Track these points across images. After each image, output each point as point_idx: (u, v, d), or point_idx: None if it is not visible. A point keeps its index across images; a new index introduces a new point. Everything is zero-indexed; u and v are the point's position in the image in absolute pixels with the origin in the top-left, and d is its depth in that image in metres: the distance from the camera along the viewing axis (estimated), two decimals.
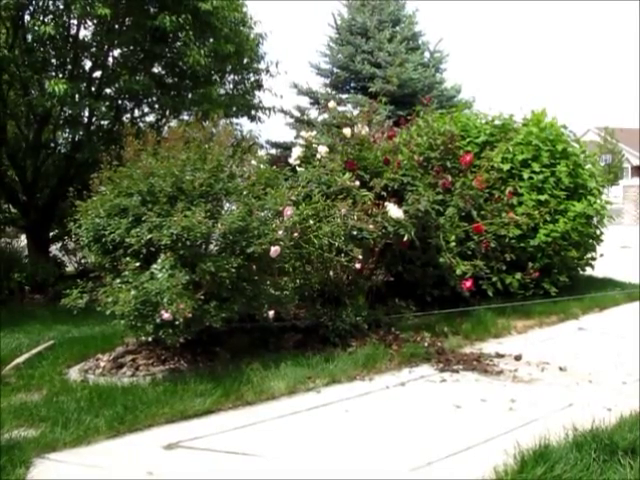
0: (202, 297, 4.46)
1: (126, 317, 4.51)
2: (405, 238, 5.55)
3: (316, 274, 5.42)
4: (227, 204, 4.90)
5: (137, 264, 4.55)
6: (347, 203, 5.35)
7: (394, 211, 5.43)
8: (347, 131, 6.09)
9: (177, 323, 4.32)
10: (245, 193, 4.88)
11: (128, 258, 4.58)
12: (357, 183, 5.80)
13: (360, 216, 5.34)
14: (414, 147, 6.64)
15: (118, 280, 4.61)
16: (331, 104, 6.83)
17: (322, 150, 6.03)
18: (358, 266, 5.32)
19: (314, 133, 6.47)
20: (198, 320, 4.51)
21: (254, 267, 4.77)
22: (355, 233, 5.27)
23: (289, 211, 4.98)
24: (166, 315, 4.29)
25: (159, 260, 4.48)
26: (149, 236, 4.49)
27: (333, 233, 5.10)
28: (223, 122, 10.74)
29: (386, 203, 5.55)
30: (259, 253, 4.64)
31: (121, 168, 5.08)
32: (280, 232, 4.81)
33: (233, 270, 4.50)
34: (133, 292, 4.40)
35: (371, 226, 5.33)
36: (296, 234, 5.00)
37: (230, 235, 4.56)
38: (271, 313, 4.92)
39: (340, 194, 5.58)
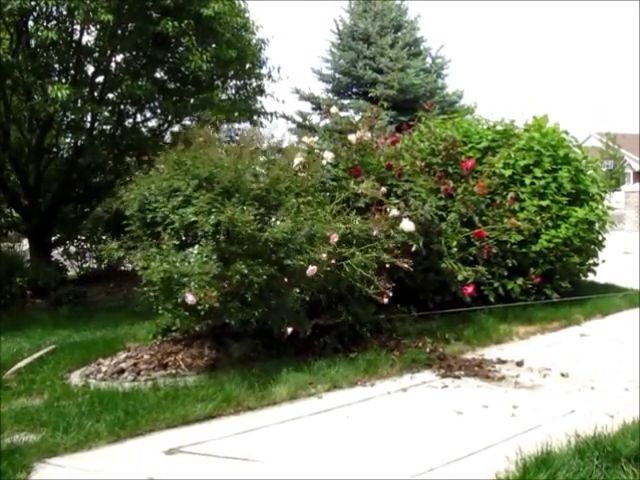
0: (227, 294, 4.47)
1: (152, 286, 4.58)
2: (413, 248, 5.54)
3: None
4: (273, 218, 4.90)
5: (175, 242, 4.62)
6: (376, 220, 5.28)
7: (407, 225, 5.41)
8: (353, 137, 6.06)
9: (199, 308, 4.34)
10: (296, 210, 4.90)
11: (167, 236, 4.64)
12: (383, 189, 5.71)
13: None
14: (416, 153, 6.64)
15: (154, 249, 4.68)
16: (333, 109, 6.83)
17: (328, 156, 5.98)
18: (386, 301, 5.16)
19: (316, 139, 6.45)
20: (219, 315, 4.54)
21: (285, 280, 4.76)
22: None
23: (335, 238, 4.91)
24: (190, 298, 4.29)
25: (197, 246, 4.53)
26: (193, 219, 4.55)
27: (366, 265, 5.00)
28: (225, 127, 10.81)
29: (399, 216, 5.49)
30: (295, 268, 4.66)
31: (187, 152, 5.20)
32: (324, 255, 4.76)
33: (264, 277, 4.51)
34: (165, 265, 4.44)
35: (391, 244, 5.25)
36: (334, 260, 4.94)
37: (271, 244, 4.59)
38: (289, 330, 4.80)
39: (367, 206, 5.52)
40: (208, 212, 4.53)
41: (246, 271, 4.41)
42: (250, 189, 4.78)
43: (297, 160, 5.82)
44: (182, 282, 4.39)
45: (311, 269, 4.65)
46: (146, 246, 4.77)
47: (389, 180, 6.03)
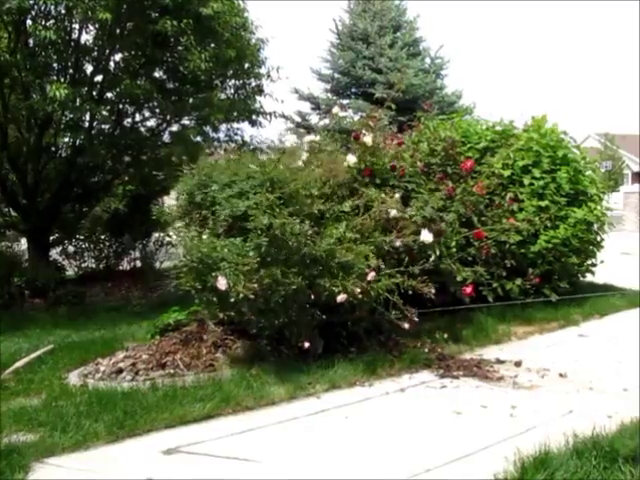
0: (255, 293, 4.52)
1: (184, 262, 4.70)
2: (432, 259, 5.53)
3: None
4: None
5: (220, 230, 4.77)
6: (399, 232, 5.29)
7: (427, 237, 5.40)
8: (368, 139, 6.01)
9: (229, 296, 4.39)
10: (339, 236, 4.96)
11: (211, 222, 4.80)
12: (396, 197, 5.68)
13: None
14: (417, 153, 6.62)
15: (193, 229, 4.82)
16: (335, 109, 6.81)
17: (351, 160, 5.77)
18: (407, 326, 5.10)
19: (318, 138, 6.39)
20: (244, 308, 4.62)
21: (312, 297, 4.77)
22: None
23: (372, 275, 4.87)
24: (222, 282, 4.33)
25: (240, 238, 4.63)
26: (244, 209, 4.69)
27: (391, 290, 5.00)
28: (224, 127, 10.81)
29: (400, 217, 5.46)
30: (324, 289, 4.69)
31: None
32: (357, 290, 4.75)
33: (293, 288, 4.55)
34: (203, 249, 4.54)
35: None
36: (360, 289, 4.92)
37: (307, 260, 4.65)
38: (306, 344, 4.78)
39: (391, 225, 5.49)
40: (263, 211, 4.60)
41: (279, 276, 4.47)
42: (307, 203, 4.94)
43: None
44: (217, 266, 4.45)
45: (342, 297, 4.67)
46: (192, 221, 4.93)
47: (391, 181, 6.03)
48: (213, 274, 4.50)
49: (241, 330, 5.24)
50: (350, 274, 4.76)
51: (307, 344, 4.74)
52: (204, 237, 4.76)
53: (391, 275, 5.04)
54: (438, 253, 5.58)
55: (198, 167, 5.60)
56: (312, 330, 4.91)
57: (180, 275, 4.87)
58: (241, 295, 4.36)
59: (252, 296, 4.39)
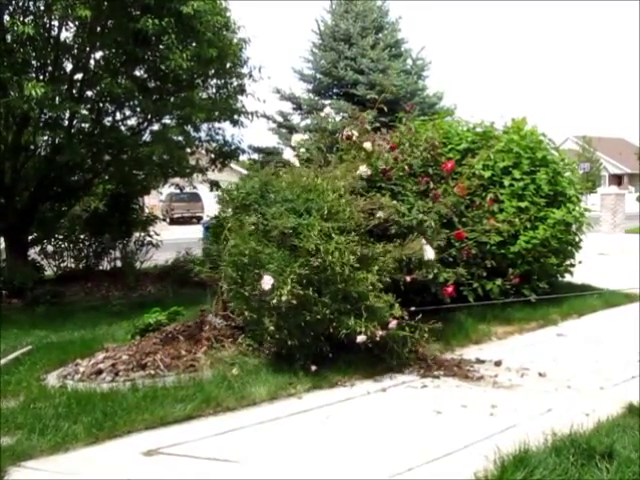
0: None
1: (237, 256, 4.77)
2: (430, 276, 5.56)
3: None
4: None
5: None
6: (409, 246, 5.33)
7: (430, 254, 5.42)
8: (368, 145, 6.01)
9: (271, 298, 4.45)
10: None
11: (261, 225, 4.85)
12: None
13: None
14: (401, 155, 6.62)
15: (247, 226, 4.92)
16: (327, 110, 6.80)
17: (363, 170, 5.74)
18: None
19: (306, 137, 6.35)
20: (278, 314, 4.67)
21: (333, 324, 4.80)
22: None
23: (394, 323, 4.91)
24: (268, 282, 4.41)
25: (287, 250, 4.70)
26: (294, 225, 4.74)
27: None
28: (206, 126, 10.75)
29: (423, 241, 5.50)
30: (346, 327, 4.72)
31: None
32: (379, 334, 4.78)
33: (317, 317, 4.62)
34: (249, 253, 4.66)
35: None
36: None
37: (340, 295, 4.74)
38: (313, 368, 4.77)
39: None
40: (312, 235, 4.64)
41: (312, 301, 4.57)
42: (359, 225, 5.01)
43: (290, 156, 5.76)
44: (263, 266, 4.57)
45: (362, 338, 4.70)
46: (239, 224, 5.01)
47: (378, 183, 6.04)
48: (257, 271, 4.61)
49: (242, 327, 5.35)
50: (375, 318, 4.82)
51: (314, 367, 4.72)
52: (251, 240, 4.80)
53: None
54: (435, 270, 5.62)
55: (260, 173, 5.52)
56: (320, 351, 4.92)
57: (200, 263, 5.03)
58: (284, 298, 4.42)
59: (294, 302, 4.48)
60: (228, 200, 5.40)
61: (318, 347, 4.85)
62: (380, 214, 5.45)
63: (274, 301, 4.50)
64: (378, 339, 4.77)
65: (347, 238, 4.83)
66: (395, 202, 5.68)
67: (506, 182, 7.17)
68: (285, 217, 4.82)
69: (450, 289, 5.92)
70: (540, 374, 4.89)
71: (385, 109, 6.56)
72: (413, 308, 5.11)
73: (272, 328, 4.70)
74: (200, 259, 5.19)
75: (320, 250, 4.61)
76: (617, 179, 50.69)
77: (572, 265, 7.83)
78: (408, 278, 5.36)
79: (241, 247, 4.78)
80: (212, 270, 5.50)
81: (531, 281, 7.09)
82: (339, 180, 5.38)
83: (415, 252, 5.36)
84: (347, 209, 5.04)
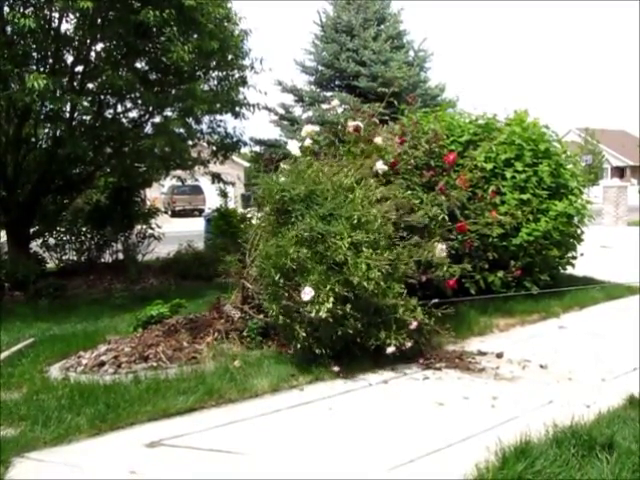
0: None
1: (274, 259, 4.71)
2: (441, 274, 5.55)
3: None
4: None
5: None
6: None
7: (441, 252, 5.41)
8: (379, 139, 5.96)
9: (309, 310, 4.44)
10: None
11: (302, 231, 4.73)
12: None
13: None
14: (409, 150, 6.58)
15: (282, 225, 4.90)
16: (334, 102, 6.77)
17: (380, 166, 5.67)
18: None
19: (317, 128, 6.26)
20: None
21: (357, 339, 4.83)
22: None
23: (414, 325, 4.95)
24: (308, 293, 4.41)
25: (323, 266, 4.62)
26: (322, 231, 4.67)
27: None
28: (207, 118, 10.73)
29: (436, 244, 5.49)
30: (376, 338, 4.77)
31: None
32: (408, 344, 4.85)
33: (349, 331, 4.63)
34: (285, 261, 4.58)
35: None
36: None
37: (372, 308, 4.75)
38: (335, 369, 4.80)
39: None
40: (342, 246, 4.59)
41: (346, 316, 4.56)
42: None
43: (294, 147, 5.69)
44: (307, 275, 4.52)
45: (391, 349, 4.75)
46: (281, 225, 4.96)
47: (388, 177, 6.02)
48: (297, 278, 4.58)
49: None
50: (403, 328, 4.85)
51: (336, 368, 4.72)
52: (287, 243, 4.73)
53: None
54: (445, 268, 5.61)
55: (306, 173, 5.27)
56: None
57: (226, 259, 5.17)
58: (322, 315, 4.42)
59: (331, 320, 4.47)
60: (268, 200, 5.19)
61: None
62: (411, 218, 5.49)
63: (312, 314, 4.46)
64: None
65: (376, 254, 4.74)
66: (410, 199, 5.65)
67: (508, 174, 7.15)
68: (314, 221, 4.73)
69: (452, 282, 5.92)
70: (541, 366, 4.90)
71: (392, 101, 6.50)
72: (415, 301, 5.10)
73: (303, 334, 4.64)
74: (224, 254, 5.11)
75: (348, 262, 4.56)
76: (619, 171, 50.59)
77: (574, 257, 7.82)
78: (424, 278, 5.35)
79: (288, 250, 4.62)
80: (240, 264, 5.48)
81: (533, 273, 7.09)
82: (348, 177, 5.28)
83: (432, 252, 5.36)
84: (378, 220, 4.92)
